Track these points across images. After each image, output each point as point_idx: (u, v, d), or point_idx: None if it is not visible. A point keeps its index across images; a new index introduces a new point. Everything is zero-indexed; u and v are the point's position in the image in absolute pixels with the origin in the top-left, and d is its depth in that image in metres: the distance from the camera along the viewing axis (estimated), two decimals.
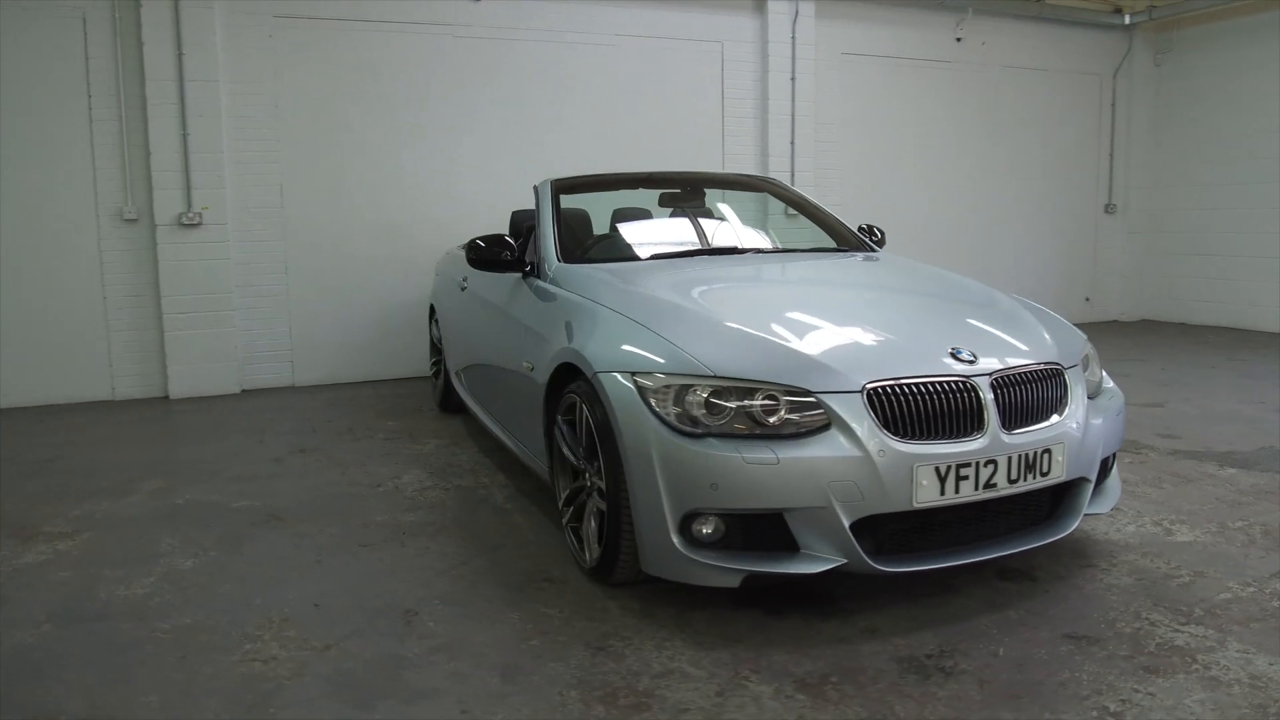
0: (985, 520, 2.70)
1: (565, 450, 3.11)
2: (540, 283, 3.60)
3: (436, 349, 5.76)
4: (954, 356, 2.68)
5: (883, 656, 2.49)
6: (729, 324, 2.82)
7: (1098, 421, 2.87)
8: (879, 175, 8.23)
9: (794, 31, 7.54)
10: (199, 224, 6.04)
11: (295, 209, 6.40)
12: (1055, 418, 2.75)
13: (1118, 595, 2.83)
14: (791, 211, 4.69)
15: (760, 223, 4.53)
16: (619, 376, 2.69)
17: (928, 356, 2.67)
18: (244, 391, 6.37)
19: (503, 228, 6.67)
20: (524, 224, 5.40)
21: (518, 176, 6.92)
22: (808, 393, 2.52)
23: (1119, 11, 8.73)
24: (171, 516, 3.73)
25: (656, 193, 4.57)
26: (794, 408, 2.51)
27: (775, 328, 2.78)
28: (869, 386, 2.53)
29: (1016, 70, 8.65)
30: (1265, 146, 8.22)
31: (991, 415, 2.60)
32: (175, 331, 6.09)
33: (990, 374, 2.66)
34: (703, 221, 4.33)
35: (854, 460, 2.45)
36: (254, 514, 3.74)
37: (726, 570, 2.53)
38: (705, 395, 2.55)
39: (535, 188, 4.19)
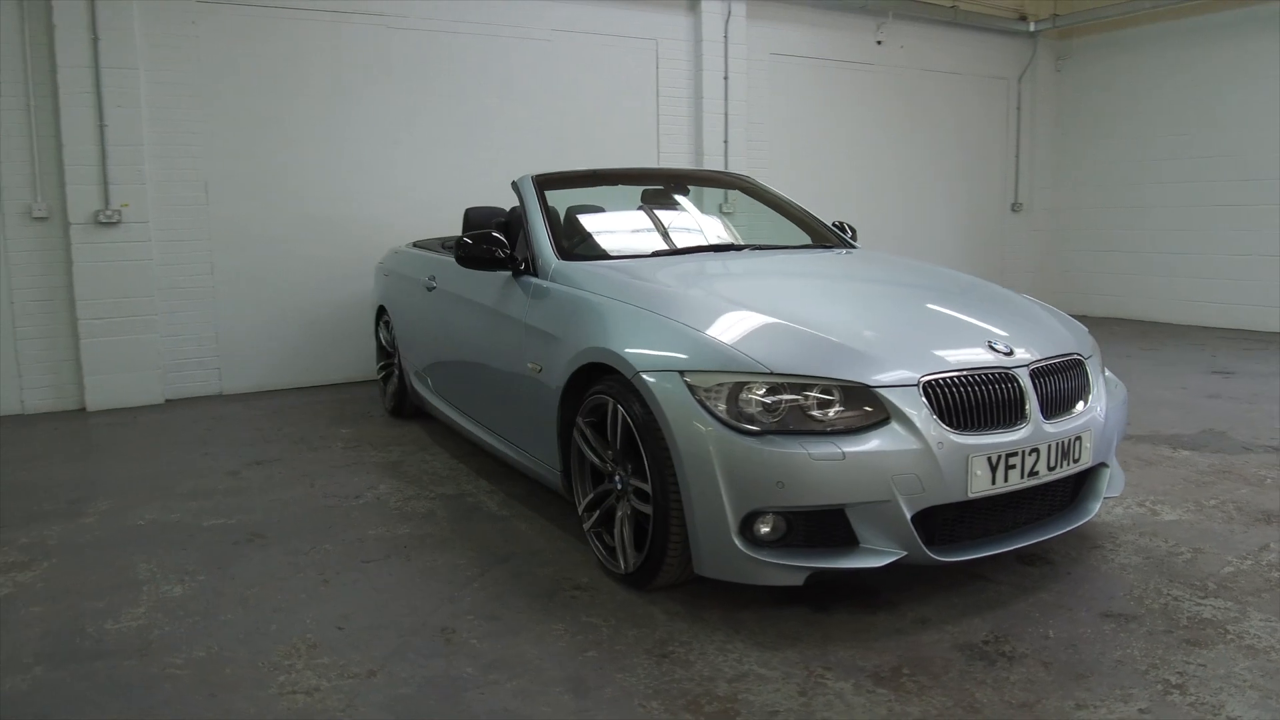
0: (1019, 507, 2.76)
1: (589, 454, 3.01)
2: (540, 281, 3.48)
3: (386, 352, 5.51)
4: (991, 348, 2.73)
5: (943, 645, 2.51)
6: (770, 319, 2.79)
7: (1111, 409, 2.99)
8: (809, 173, 8.38)
9: (726, 31, 7.59)
10: (118, 222, 5.58)
11: (222, 206, 6.01)
12: (1082, 405, 2.84)
13: (1134, 574, 2.95)
14: (759, 206, 4.70)
15: (738, 219, 4.52)
16: (666, 376, 2.62)
17: (968, 349, 2.72)
18: (169, 401, 5.93)
19: (447, 225, 6.52)
20: (484, 221, 5.27)
21: (459, 173, 6.72)
22: (866, 387, 2.51)
23: (1024, 19, 9.18)
24: (137, 539, 3.43)
25: (618, 189, 4.51)
26: (851, 402, 2.51)
27: (817, 322, 2.77)
28: (925, 379, 2.55)
29: (932, 73, 8.97)
30: (1159, 149, 8.79)
31: (1033, 405, 2.67)
32: (92, 339, 5.61)
33: (1029, 365, 2.72)
34: (687, 218, 4.29)
35: (915, 453, 2.46)
36: (230, 533, 3.47)
37: (790, 568, 2.50)
38: (762, 392, 2.51)
39: (515, 184, 4.05)
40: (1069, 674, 2.36)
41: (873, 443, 2.46)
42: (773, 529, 2.51)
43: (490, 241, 3.65)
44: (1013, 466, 2.60)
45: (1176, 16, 8.39)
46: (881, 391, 2.51)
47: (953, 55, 9.05)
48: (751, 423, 2.49)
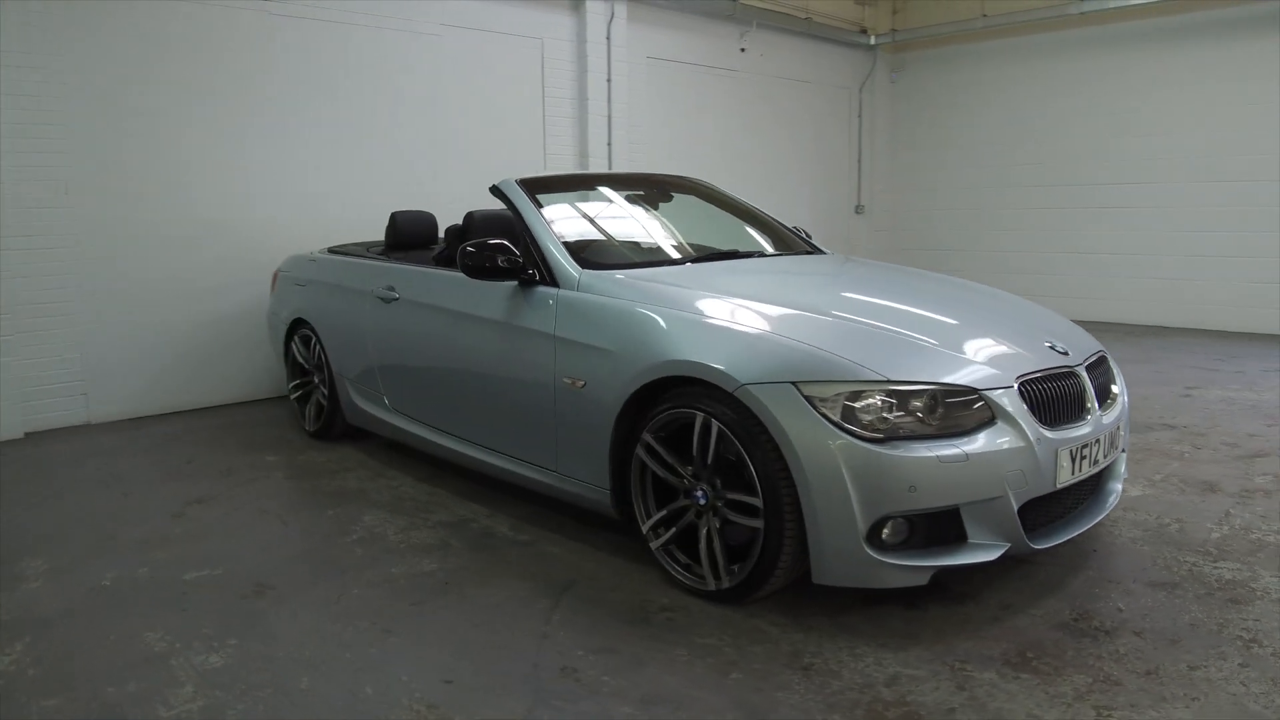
0: (1070, 493, 2.99)
1: (658, 470, 2.92)
2: (565, 291, 3.32)
3: (303, 370, 5.05)
4: (1052, 349, 2.93)
5: (1042, 628, 2.67)
6: (856, 326, 2.84)
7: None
8: (705, 174, 8.51)
9: (609, 32, 7.56)
10: None
11: (86, 209, 5.23)
12: (1115, 395, 3.11)
13: (1147, 547, 3.27)
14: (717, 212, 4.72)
15: (709, 225, 4.52)
16: (778, 388, 2.60)
17: (1036, 350, 2.90)
18: (29, 435, 5.10)
19: (342, 227, 6.09)
20: (410, 227, 4.95)
21: (350, 172, 6.26)
22: (972, 390, 2.62)
23: (865, 32, 9.82)
24: (118, 602, 2.94)
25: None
26: (961, 405, 2.60)
27: (901, 328, 2.86)
28: (1020, 380, 2.70)
29: (789, 81, 9.40)
30: (986, 156, 9.70)
31: (1092, 399, 2.89)
32: None
33: (1082, 362, 2.95)
34: (674, 224, 4.24)
35: (1021, 450, 2.60)
36: (228, 586, 3.06)
37: (915, 569, 2.56)
38: (879, 400, 2.56)
39: (499, 190, 3.84)
40: (1162, 640, 2.59)
41: (986, 443, 2.57)
42: (898, 532, 2.57)
43: (497, 250, 3.45)
44: (1084, 457, 2.81)
45: (999, 36, 9.30)
46: (987, 394, 2.63)
47: (806, 64, 9.52)
48: (873, 430, 2.53)
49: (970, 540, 2.62)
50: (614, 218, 4.08)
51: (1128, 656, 2.51)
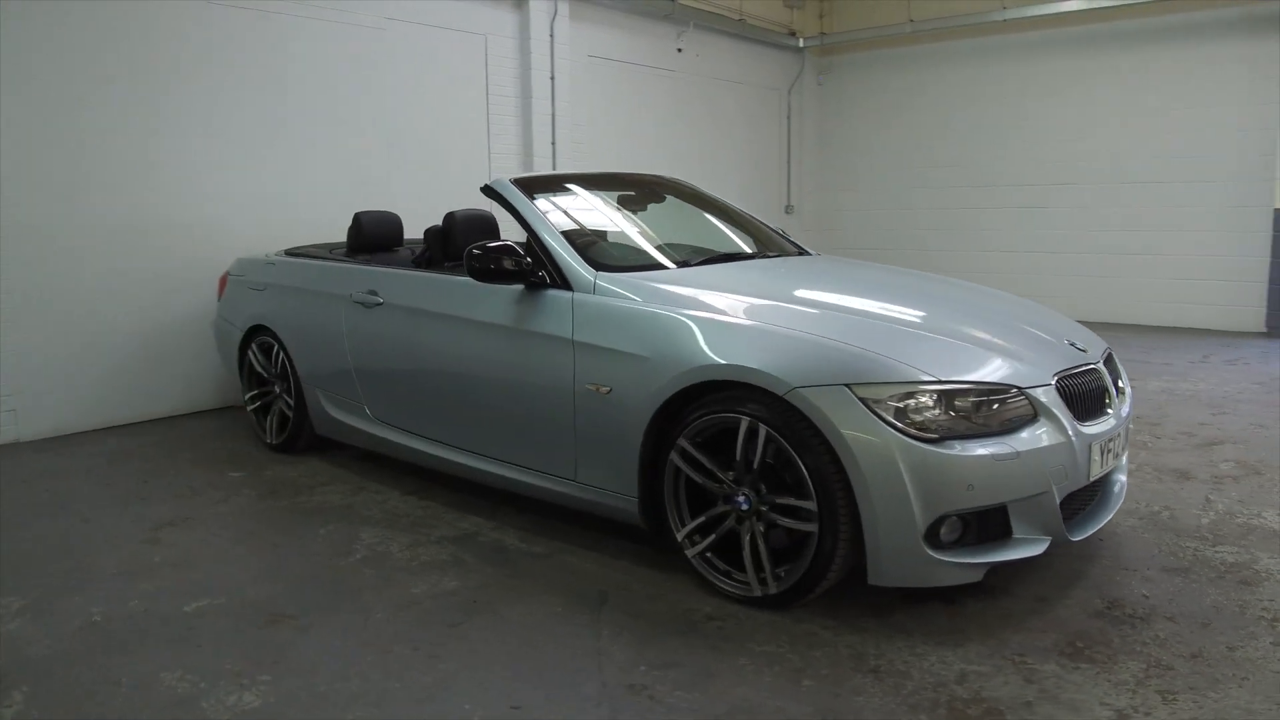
0: (1091, 485, 3.07)
1: (697, 476, 2.87)
2: (582, 295, 3.22)
3: (262, 379, 4.77)
4: (1073, 347, 3.02)
5: (1082, 617, 2.75)
6: (898, 327, 2.86)
7: None
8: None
9: (552, 29, 7.44)
10: None
11: (13, 209, 4.81)
12: (1124, 389, 3.23)
13: (1149, 534, 3.41)
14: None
15: (699, 226, 4.47)
16: (831, 390, 2.58)
17: (1062, 348, 2.98)
18: None
19: (286, 228, 5.81)
20: (375, 228, 4.76)
21: (290, 171, 5.97)
22: (1016, 388, 2.67)
23: (793, 35, 9.98)
24: (121, 642, 2.70)
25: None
26: (1007, 404, 2.65)
27: (939, 328, 2.89)
28: (1057, 377, 2.76)
29: (723, 81, 9.46)
30: (911, 157, 9.99)
31: (1113, 394, 2.99)
32: None
33: (1099, 360, 3.04)
34: (668, 225, 4.17)
35: (1063, 446, 2.66)
36: (239, 616, 2.85)
37: (970, 566, 2.59)
38: (932, 400, 2.57)
39: (494, 189, 3.71)
40: (1194, 624, 2.70)
41: (1031, 440, 2.62)
42: (953, 530, 2.59)
43: (504, 252, 3.33)
44: (1109, 450, 2.91)
45: (925, 41, 9.58)
46: (1030, 391, 2.68)
47: (738, 66, 9.60)
48: (926, 430, 2.55)
49: (1015, 535, 2.67)
50: (609, 219, 4.00)
51: (1169, 641, 2.60)
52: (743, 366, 2.73)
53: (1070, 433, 2.69)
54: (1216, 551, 3.23)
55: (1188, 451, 4.46)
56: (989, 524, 2.63)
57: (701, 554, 2.92)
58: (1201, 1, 7.73)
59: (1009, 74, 9.14)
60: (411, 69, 6.64)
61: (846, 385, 2.59)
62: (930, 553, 2.55)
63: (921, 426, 2.55)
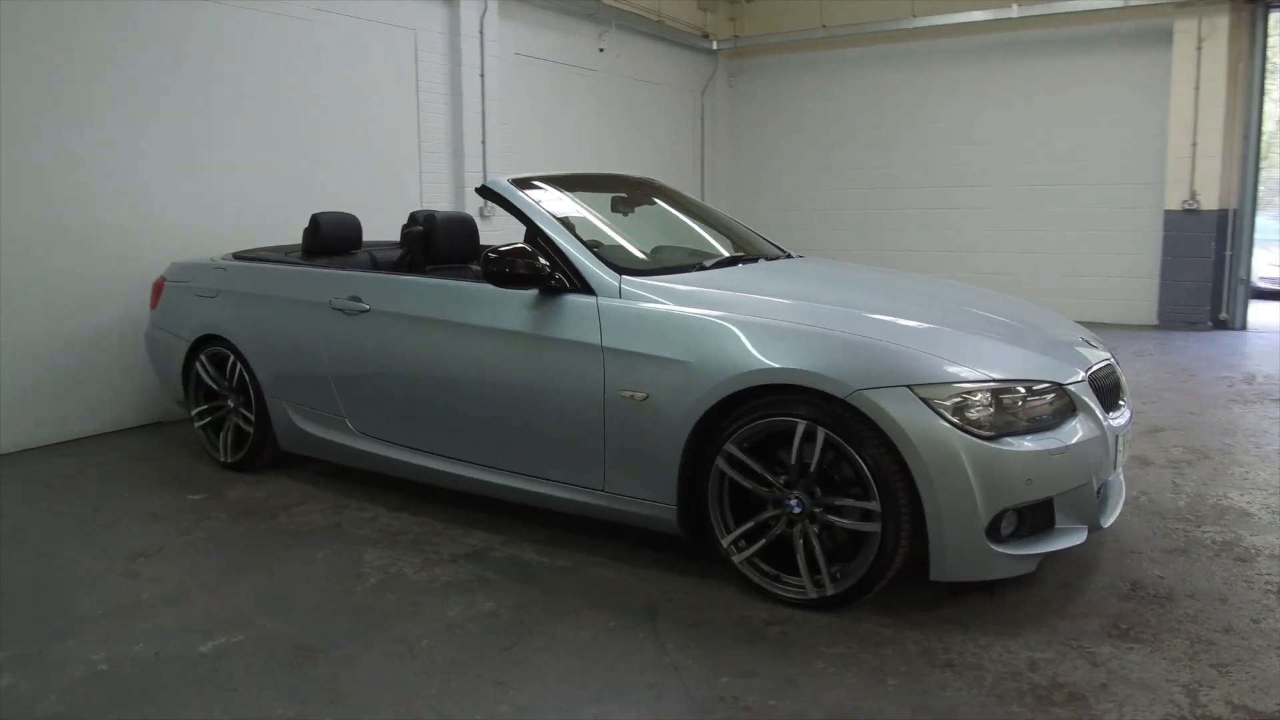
0: None
1: (746, 482, 2.85)
2: (612, 301, 3.14)
3: (212, 394, 4.44)
4: (1089, 344, 3.16)
5: (1113, 600, 2.89)
6: (942, 329, 2.92)
7: None
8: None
9: (482, 26, 7.25)
10: None
11: None
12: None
13: (1139, 519, 3.60)
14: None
15: (688, 228, 4.41)
16: (893, 392, 2.61)
17: (1081, 346, 3.11)
18: None
19: (216, 233, 5.43)
20: (334, 229, 4.53)
21: (215, 169, 5.58)
22: (1058, 385, 2.76)
23: (707, 37, 10.08)
24: (139, 692, 2.44)
25: None
26: (1051, 400, 2.74)
27: (975, 329, 2.97)
28: (1089, 374, 2.88)
29: (643, 82, 9.45)
30: (819, 158, 10.26)
31: (1126, 390, 3.15)
32: None
33: (1111, 356, 3.20)
34: (661, 227, 4.12)
35: (1099, 439, 2.78)
36: (261, 653, 2.63)
37: (1026, 558, 2.68)
38: (987, 398, 2.64)
39: (493, 190, 3.57)
40: (1214, 600, 2.87)
41: (1074, 434, 2.72)
42: (1009, 524, 2.66)
43: (518, 255, 3.22)
44: (1128, 441, 3.06)
45: (837, 46, 9.85)
46: (1069, 388, 2.78)
47: (656, 67, 9.62)
48: (982, 427, 2.61)
49: (1057, 526, 2.77)
50: (606, 221, 3.91)
51: (1199, 618, 2.75)
52: (804, 370, 2.72)
53: (1104, 425, 2.82)
54: (1204, 532, 3.45)
55: (1137, 439, 4.75)
56: (1038, 516, 2.72)
57: (749, 560, 2.90)
58: (1097, 16, 8.27)
59: (918, 80, 9.53)
60: (342, 63, 6.33)
61: (908, 386, 2.62)
62: (992, 547, 2.61)
63: (978, 424, 2.61)
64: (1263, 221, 8.80)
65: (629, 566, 3.21)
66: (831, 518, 2.74)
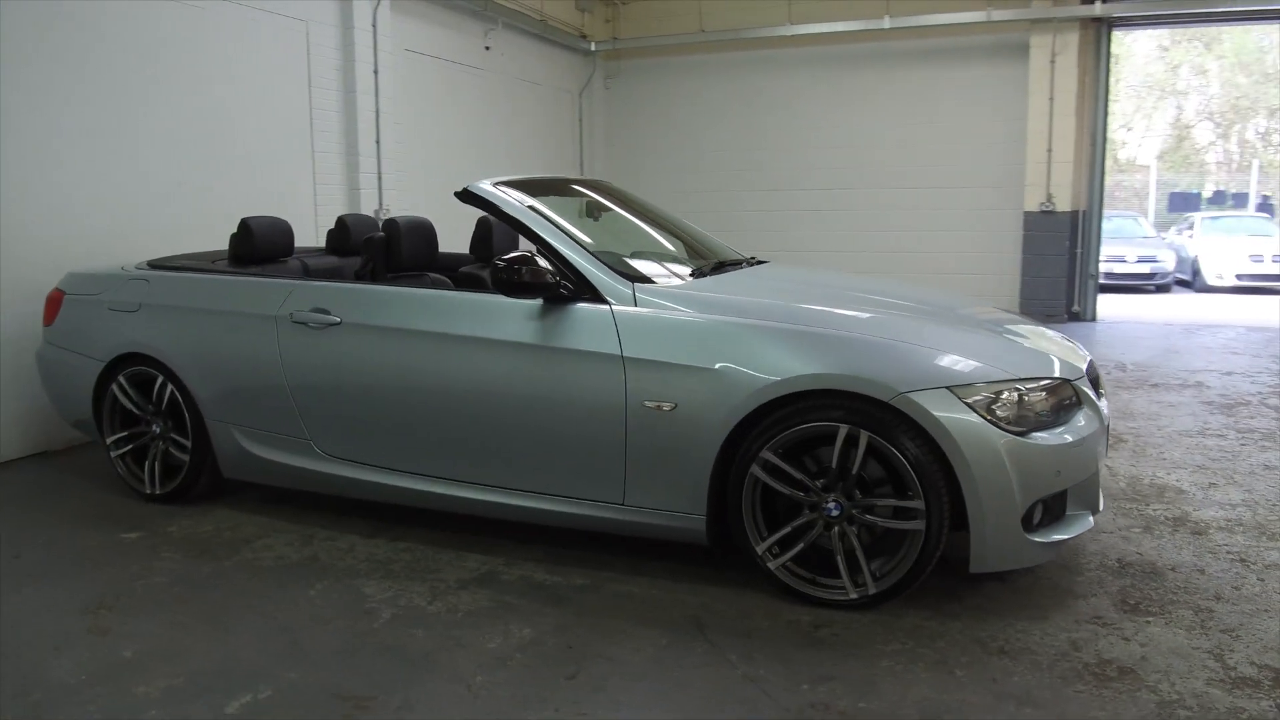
0: None
1: (783, 487, 2.87)
2: (628, 309, 3.06)
3: (131, 419, 4.00)
4: (1067, 341, 3.38)
5: (1110, 578, 3.13)
6: (961, 330, 3.05)
7: None
8: (446, 178, 8.06)
9: (375, 19, 6.89)
10: None
11: None
12: None
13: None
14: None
15: (645, 233, 4.33)
16: (934, 393, 2.70)
17: (1066, 343, 3.32)
18: None
19: (99, 238, 4.96)
20: (268, 235, 4.21)
21: (107, 164, 5.04)
22: (1067, 381, 2.94)
23: (585, 38, 10.03)
24: None
25: None
26: (1062, 395, 2.91)
27: (987, 328, 3.12)
28: (1088, 369, 3.09)
29: (526, 82, 9.28)
30: (696, 160, 10.43)
31: (1103, 382, 3.40)
32: None
33: (1087, 352, 3.44)
34: (624, 232, 4.06)
35: (1101, 430, 2.99)
36: (305, 708, 2.40)
37: (1051, 545, 2.83)
38: (1015, 396, 2.77)
39: (477, 195, 3.42)
40: (1193, 570, 3.15)
41: (1085, 427, 2.91)
42: (1037, 514, 2.81)
43: (524, 263, 3.10)
44: (1111, 433, 3.30)
45: (714, 50, 10.03)
46: (1076, 383, 2.97)
47: (539, 66, 9.48)
48: (1015, 424, 2.75)
49: (1068, 513, 2.96)
50: (586, 227, 3.82)
51: (1189, 588, 3.01)
52: (849, 375, 2.76)
53: (1103, 418, 3.03)
54: (1154, 510, 3.77)
55: None
56: (1056, 506, 2.90)
57: (785, 565, 2.92)
58: (962, 30, 8.86)
59: (794, 85, 9.87)
60: (231, 53, 5.85)
61: (947, 387, 2.72)
62: (1028, 537, 2.76)
63: (1009, 421, 2.74)
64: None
65: (647, 580, 3.15)
66: (871, 518, 2.81)
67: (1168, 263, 13.06)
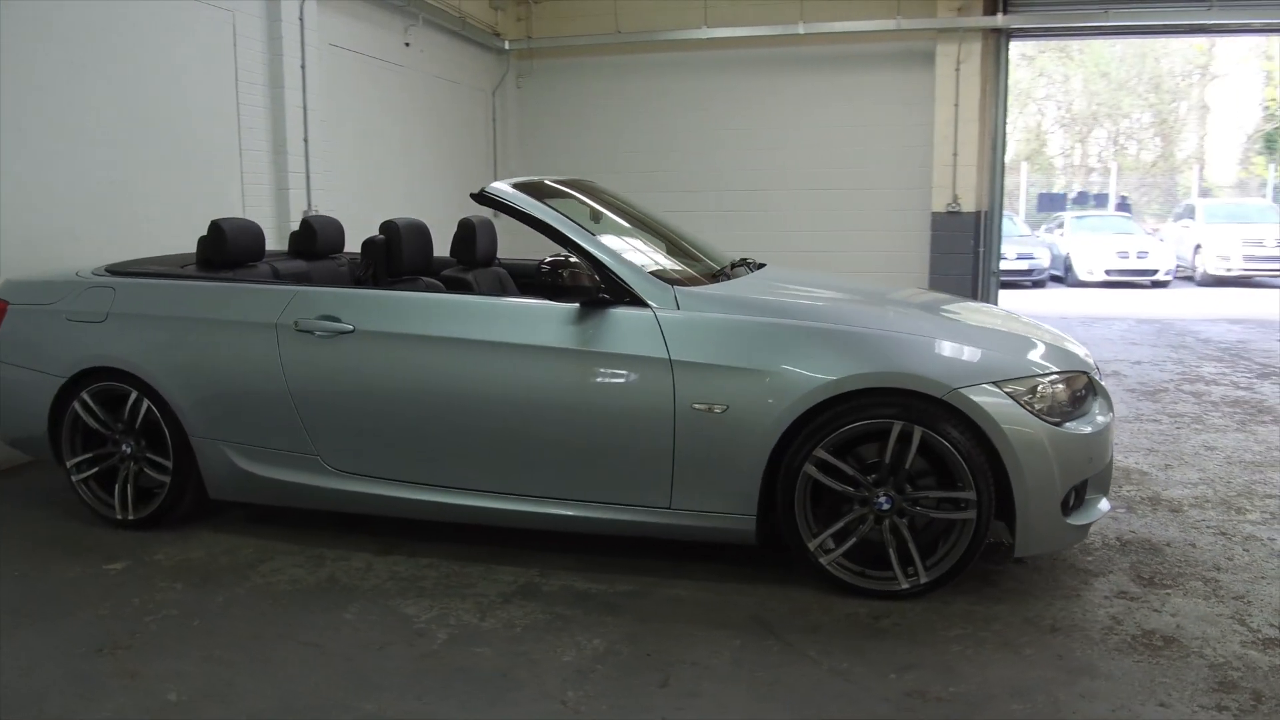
0: None
1: (835, 484, 2.93)
2: (673, 313, 3.05)
3: (95, 439, 3.68)
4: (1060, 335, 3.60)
5: (1116, 555, 3.36)
6: (994, 329, 3.20)
7: None
8: (372, 176, 7.77)
9: (302, 12, 6.56)
10: None
11: None
12: None
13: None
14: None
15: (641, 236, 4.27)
16: (982, 389, 2.83)
17: (1064, 337, 3.53)
18: None
19: (33, 238, 4.49)
20: (241, 239, 3.99)
21: (25, 163, 4.59)
22: (1084, 374, 3.14)
23: (499, 36, 9.85)
24: None
25: None
26: (1079, 387, 3.10)
27: (1002, 325, 3.28)
28: (1095, 364, 3.30)
29: (444, 81, 9.02)
30: (609, 160, 10.35)
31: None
32: None
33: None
34: (656, 234, 4.03)
35: (1111, 419, 3.19)
36: None
37: (1083, 528, 3.01)
38: (1051, 389, 2.94)
39: (495, 198, 3.36)
40: (1186, 545, 3.41)
41: (1101, 416, 3.11)
42: (1070, 499, 2.98)
43: (567, 267, 3.06)
44: None
45: (629, 51, 9.99)
46: (1092, 375, 3.17)
47: (456, 64, 9.24)
48: (1051, 414, 2.91)
49: (1087, 497, 3.15)
50: (605, 229, 3.77)
51: (1190, 561, 3.27)
52: (907, 373, 2.85)
53: (1111, 406, 3.25)
54: (1128, 491, 4.06)
55: None
56: (1082, 490, 3.08)
57: (836, 559, 2.99)
58: (873, 37, 9.20)
59: (709, 87, 10.00)
60: (155, 44, 5.44)
61: (994, 383, 2.85)
62: (1066, 520, 2.93)
63: (1046, 412, 2.90)
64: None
65: (691, 582, 3.16)
66: (922, 509, 2.92)
67: (1043, 260, 14.02)
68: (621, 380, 3.07)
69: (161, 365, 3.54)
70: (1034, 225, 18.23)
